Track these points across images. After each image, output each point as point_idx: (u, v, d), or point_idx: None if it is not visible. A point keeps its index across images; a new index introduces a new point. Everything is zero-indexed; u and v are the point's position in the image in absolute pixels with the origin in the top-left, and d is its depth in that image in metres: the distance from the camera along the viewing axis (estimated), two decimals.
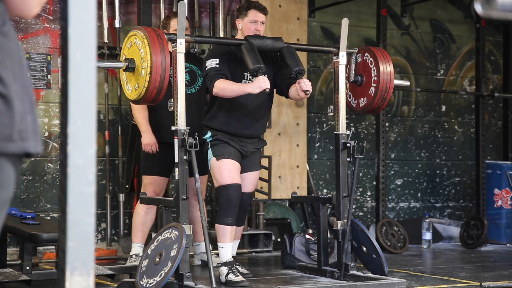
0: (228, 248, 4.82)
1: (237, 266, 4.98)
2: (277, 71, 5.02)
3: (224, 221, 4.77)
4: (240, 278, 4.69)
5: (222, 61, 4.80)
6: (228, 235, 4.79)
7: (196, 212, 5.35)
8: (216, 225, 4.82)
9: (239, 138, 4.90)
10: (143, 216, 5.32)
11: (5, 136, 1.54)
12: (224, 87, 4.69)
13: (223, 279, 4.73)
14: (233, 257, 4.96)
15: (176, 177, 4.40)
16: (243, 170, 4.95)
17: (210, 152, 4.86)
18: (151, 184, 5.33)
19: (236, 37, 5.07)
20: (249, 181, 5.01)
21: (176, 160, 4.40)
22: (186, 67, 5.33)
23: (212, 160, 4.84)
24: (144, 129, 5.28)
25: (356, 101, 5.21)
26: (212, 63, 4.79)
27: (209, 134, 4.86)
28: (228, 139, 4.85)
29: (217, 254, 5.73)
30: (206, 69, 4.79)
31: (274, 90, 5.09)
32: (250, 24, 4.91)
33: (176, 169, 4.40)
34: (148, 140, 5.27)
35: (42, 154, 6.06)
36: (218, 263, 4.84)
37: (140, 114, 5.29)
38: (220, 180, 4.78)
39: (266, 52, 4.92)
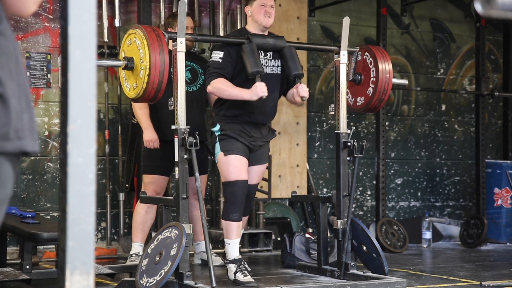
0: (235, 244, 4.78)
1: (245, 264, 4.97)
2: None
3: (230, 217, 4.74)
4: (248, 278, 4.66)
5: (227, 55, 4.73)
6: (235, 231, 4.76)
7: (196, 211, 5.35)
8: (223, 221, 4.80)
9: (247, 132, 4.83)
10: (143, 215, 5.32)
11: (2, 135, 1.53)
12: (221, 88, 4.66)
13: (231, 276, 4.70)
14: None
15: (176, 176, 4.40)
16: (250, 163, 4.88)
17: (218, 145, 4.80)
18: (151, 183, 5.33)
19: (246, 27, 4.99)
20: (256, 174, 4.97)
21: (176, 159, 4.39)
22: (187, 65, 5.34)
23: (219, 154, 4.78)
24: (146, 126, 5.29)
25: (353, 99, 5.22)
26: (216, 56, 4.74)
27: (218, 127, 4.81)
28: (237, 134, 4.78)
29: (217, 254, 5.75)
30: (210, 61, 4.77)
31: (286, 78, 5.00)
32: (260, 8, 4.82)
33: (176, 168, 4.40)
34: (149, 136, 5.28)
35: (42, 153, 6.06)
36: (226, 260, 4.79)
37: (141, 111, 5.31)
38: (227, 176, 4.75)
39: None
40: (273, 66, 4.89)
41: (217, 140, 4.80)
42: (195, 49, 6.26)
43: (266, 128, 4.97)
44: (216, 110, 4.91)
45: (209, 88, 4.68)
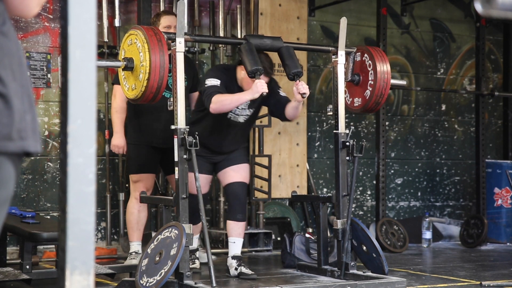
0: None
1: (242, 266, 4.98)
2: (270, 95, 4.90)
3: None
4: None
5: (222, 85, 4.82)
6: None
7: None
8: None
9: (207, 152, 5.03)
10: (136, 214, 5.36)
11: (4, 135, 1.53)
12: (221, 100, 4.67)
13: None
14: (237, 256, 4.98)
15: (176, 176, 4.40)
16: (223, 167, 5.07)
17: None
18: (141, 181, 5.36)
19: (236, 71, 5.00)
20: (234, 172, 5.07)
21: (176, 159, 4.39)
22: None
23: None
24: (117, 130, 5.34)
25: (351, 99, 5.23)
26: (213, 82, 4.79)
27: None
28: (197, 153, 4.69)
29: (217, 255, 5.75)
30: (206, 86, 4.79)
31: (265, 109, 5.16)
32: (250, 80, 4.79)
33: (176, 168, 4.40)
34: (117, 141, 5.34)
35: (42, 153, 6.06)
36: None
37: (117, 115, 5.34)
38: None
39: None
40: (246, 115, 5.01)
41: None
42: (195, 48, 6.26)
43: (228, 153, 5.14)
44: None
45: (212, 106, 4.68)
